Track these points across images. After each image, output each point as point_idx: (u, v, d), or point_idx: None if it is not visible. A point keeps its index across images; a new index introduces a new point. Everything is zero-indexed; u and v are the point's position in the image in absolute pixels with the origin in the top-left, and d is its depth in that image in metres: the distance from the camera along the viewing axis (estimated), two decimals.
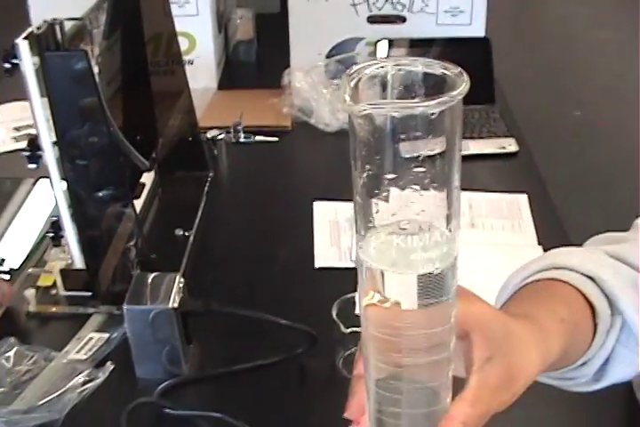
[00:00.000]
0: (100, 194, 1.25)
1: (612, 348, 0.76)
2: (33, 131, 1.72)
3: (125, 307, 1.10)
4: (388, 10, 1.87)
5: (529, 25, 5.02)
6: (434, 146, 0.45)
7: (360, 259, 0.47)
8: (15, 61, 1.09)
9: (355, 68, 0.45)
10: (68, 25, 1.15)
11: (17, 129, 1.86)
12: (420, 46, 1.81)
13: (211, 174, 1.65)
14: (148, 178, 1.54)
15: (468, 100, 1.50)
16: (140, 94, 1.52)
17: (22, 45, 1.07)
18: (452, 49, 1.79)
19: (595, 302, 0.74)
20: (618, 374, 0.78)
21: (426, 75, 0.46)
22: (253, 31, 2.27)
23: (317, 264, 1.36)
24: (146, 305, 1.10)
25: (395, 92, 0.46)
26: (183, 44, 1.87)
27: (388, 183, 0.44)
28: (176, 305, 1.09)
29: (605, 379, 0.78)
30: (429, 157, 0.45)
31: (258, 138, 1.75)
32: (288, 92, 1.85)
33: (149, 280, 1.14)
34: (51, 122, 1.16)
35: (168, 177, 1.63)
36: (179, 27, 1.62)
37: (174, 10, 1.62)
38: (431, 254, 0.46)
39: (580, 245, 0.88)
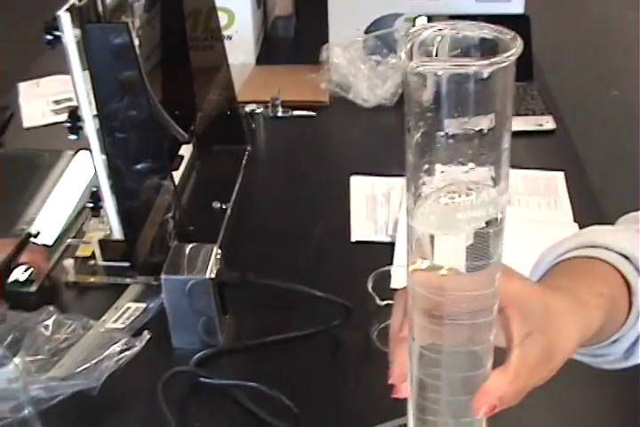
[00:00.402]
0: (139, 166, 1.27)
1: None
2: (73, 104, 1.74)
3: (163, 277, 1.11)
4: None
5: (569, 4, 4.95)
6: (483, 122, 0.46)
7: (408, 225, 0.48)
8: (57, 33, 1.10)
9: (413, 29, 0.46)
10: None
11: (57, 102, 1.87)
12: None
13: (248, 148, 1.66)
14: (186, 151, 1.55)
15: None
16: (179, 69, 1.53)
17: (64, 17, 1.08)
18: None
19: (631, 280, 0.74)
20: None
21: (481, 39, 0.46)
22: (292, 7, 2.26)
23: (354, 238, 1.37)
24: (183, 275, 1.11)
25: (450, 54, 0.46)
26: (222, 19, 1.87)
27: (439, 143, 0.45)
28: (213, 276, 1.11)
29: (635, 357, 0.78)
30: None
31: (295, 113, 1.76)
32: (326, 68, 1.85)
33: (187, 251, 1.15)
34: (91, 94, 1.17)
35: (206, 151, 1.64)
36: (217, 2, 1.62)
37: None
38: (478, 214, 0.46)
39: (614, 223, 0.88)
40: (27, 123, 1.81)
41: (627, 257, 0.75)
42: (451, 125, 0.44)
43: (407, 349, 0.56)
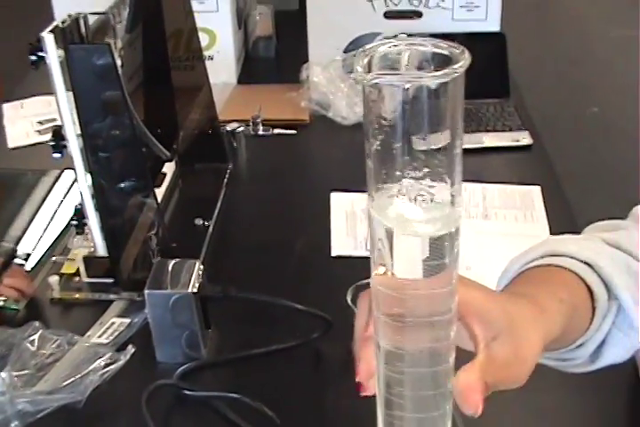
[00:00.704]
0: (123, 185, 1.29)
1: (608, 331, 0.79)
2: (57, 124, 1.77)
3: (146, 292, 1.13)
4: (404, 5, 1.90)
5: (545, 21, 5.03)
6: (438, 137, 0.48)
7: (369, 228, 0.51)
8: (41, 54, 1.13)
9: (369, 46, 0.48)
10: (91, 19, 1.18)
11: (40, 123, 1.90)
12: None
13: (230, 166, 1.69)
14: (169, 169, 1.58)
15: (483, 93, 1.54)
16: (161, 89, 1.56)
17: (48, 38, 1.11)
18: (467, 44, 1.81)
19: (593, 287, 0.77)
20: (612, 355, 0.81)
21: (434, 54, 0.49)
22: (272, 27, 2.30)
23: (334, 253, 1.39)
24: (166, 290, 1.13)
25: (405, 69, 0.49)
26: (203, 39, 1.90)
27: (397, 154, 0.48)
28: (195, 290, 1.13)
29: (600, 360, 0.81)
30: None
31: (276, 131, 1.78)
32: (306, 87, 1.89)
33: (170, 267, 1.17)
34: (75, 114, 1.19)
35: (188, 169, 1.66)
36: (199, 22, 1.65)
37: (194, 6, 1.65)
38: (434, 216, 0.49)
39: None
40: (11, 143, 1.83)
41: (590, 265, 0.78)
42: (406, 138, 0.47)
43: (372, 347, 0.58)
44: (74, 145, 1.20)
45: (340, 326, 1.15)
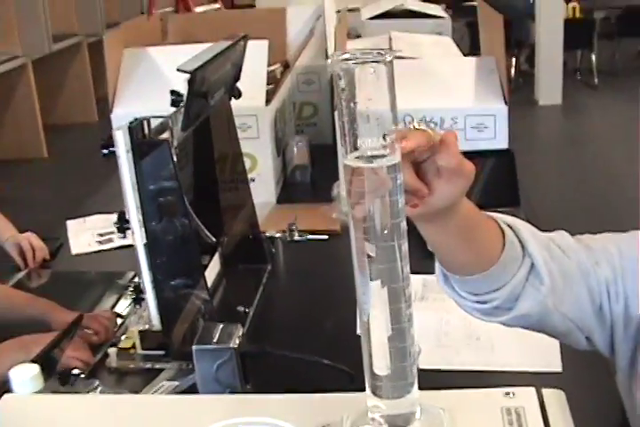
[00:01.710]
0: (178, 280, 1.50)
1: (523, 284, 1.01)
2: (113, 236, 2.00)
3: (195, 347, 1.31)
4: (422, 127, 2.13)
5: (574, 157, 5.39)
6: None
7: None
8: (112, 149, 1.36)
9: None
10: (154, 122, 1.42)
11: (101, 235, 2.13)
12: None
13: (269, 267, 1.89)
14: (213, 270, 1.77)
15: (495, 202, 1.76)
16: (209, 204, 1.78)
17: (119, 135, 1.34)
18: (479, 160, 2.05)
19: (505, 230, 1.01)
20: (526, 307, 1.03)
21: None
22: (308, 157, 2.54)
23: (359, 331, 1.56)
24: (211, 345, 1.31)
25: None
26: (246, 163, 2.14)
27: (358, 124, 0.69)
28: (236, 346, 1.30)
29: (516, 309, 1.03)
30: None
31: (310, 236, 1.99)
32: (337, 201, 2.10)
33: (215, 328, 1.35)
34: (138, 201, 1.40)
35: (232, 269, 1.86)
36: (242, 148, 1.88)
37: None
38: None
39: None
40: (74, 250, 2.06)
41: (511, 227, 1.03)
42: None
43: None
44: (135, 225, 1.41)
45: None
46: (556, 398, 0.81)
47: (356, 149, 0.71)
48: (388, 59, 0.67)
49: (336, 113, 0.69)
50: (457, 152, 0.85)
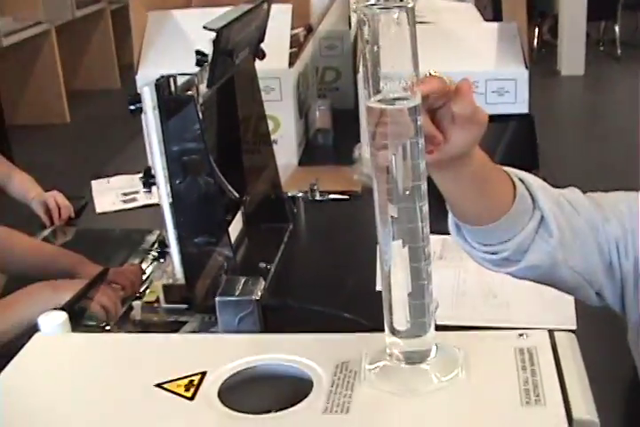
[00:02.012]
0: (202, 236, 1.54)
1: (533, 237, 1.05)
2: (137, 196, 2.04)
3: (218, 299, 1.34)
4: None
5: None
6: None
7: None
8: (139, 105, 1.39)
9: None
10: (180, 80, 1.45)
11: (125, 194, 2.17)
12: None
13: (290, 226, 1.92)
14: (236, 228, 1.81)
15: (514, 165, 1.77)
16: (232, 164, 1.81)
17: (146, 91, 1.37)
18: (500, 124, 2.07)
19: (517, 183, 1.05)
20: (534, 259, 1.06)
21: None
22: (330, 121, 2.57)
23: (378, 287, 1.59)
24: (234, 297, 1.34)
25: None
26: (269, 125, 2.17)
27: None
28: (258, 298, 1.34)
29: (525, 261, 1.06)
30: None
31: (331, 196, 2.02)
32: (358, 163, 2.13)
33: (238, 281, 1.38)
34: (164, 156, 1.44)
35: (254, 228, 1.89)
36: (266, 110, 1.91)
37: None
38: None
39: None
40: (99, 209, 2.10)
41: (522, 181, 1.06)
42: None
43: None
44: (161, 181, 1.44)
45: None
46: (567, 341, 0.84)
47: (378, 92, 0.74)
48: (410, 5, 0.70)
49: (359, 57, 0.72)
50: (472, 99, 0.88)
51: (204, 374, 0.86)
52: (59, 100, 6.13)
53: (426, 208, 0.82)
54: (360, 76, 2.24)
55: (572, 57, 7.22)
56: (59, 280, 1.53)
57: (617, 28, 7.98)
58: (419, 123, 0.76)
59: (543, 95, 5.79)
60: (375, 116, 0.75)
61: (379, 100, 0.74)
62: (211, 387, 0.84)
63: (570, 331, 0.87)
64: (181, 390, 0.84)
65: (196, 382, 0.85)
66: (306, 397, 0.82)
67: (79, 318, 1.47)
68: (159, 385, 0.85)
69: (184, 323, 1.52)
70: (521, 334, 0.85)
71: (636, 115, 5.51)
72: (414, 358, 0.82)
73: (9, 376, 0.89)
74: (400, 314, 0.84)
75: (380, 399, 0.80)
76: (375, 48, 0.71)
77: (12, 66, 6.00)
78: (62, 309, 1.26)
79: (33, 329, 1.02)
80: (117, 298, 1.57)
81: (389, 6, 0.70)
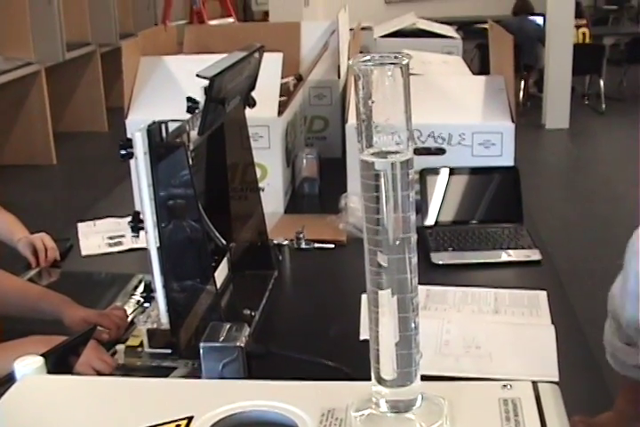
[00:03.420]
0: (188, 281, 1.54)
1: None
2: (123, 239, 2.04)
3: (202, 344, 1.35)
4: (430, 143, 2.19)
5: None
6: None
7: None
8: (130, 150, 1.40)
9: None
10: (171, 126, 1.46)
11: (110, 238, 2.17)
12: (458, 174, 2.12)
13: (275, 273, 1.93)
14: (221, 274, 1.81)
15: (499, 218, 1.83)
16: (219, 210, 1.82)
17: (137, 136, 1.39)
18: (486, 176, 2.10)
19: None
20: None
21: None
22: (317, 170, 2.59)
23: (362, 337, 1.60)
24: (218, 343, 1.35)
25: None
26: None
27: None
28: (243, 345, 1.34)
29: None
30: None
31: (317, 245, 2.04)
32: (344, 212, 2.15)
33: (222, 327, 1.39)
34: (153, 202, 1.44)
35: (239, 275, 1.90)
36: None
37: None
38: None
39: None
40: (84, 252, 2.10)
41: None
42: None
43: None
44: (150, 226, 1.45)
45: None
46: (551, 392, 0.85)
47: (371, 145, 0.76)
48: (404, 62, 0.72)
49: (348, 107, 0.74)
50: None
51: (190, 418, 0.86)
52: (46, 141, 6.16)
53: (415, 260, 0.83)
54: (349, 126, 2.27)
55: (556, 110, 7.32)
56: (56, 336, 1.51)
57: (602, 83, 8.10)
58: (410, 177, 0.78)
59: (528, 148, 5.86)
60: (368, 169, 0.77)
61: (372, 153, 0.76)
62: None
63: (552, 382, 0.88)
64: None
65: None
66: None
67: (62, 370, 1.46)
68: None
69: (167, 368, 1.52)
70: (505, 385, 0.86)
71: (617, 167, 5.61)
72: (400, 408, 0.83)
73: None
74: (387, 363, 0.85)
75: None
76: (369, 103, 0.73)
77: (1, 106, 6.04)
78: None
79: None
80: (109, 358, 1.55)
81: (384, 62, 0.72)
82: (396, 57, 0.72)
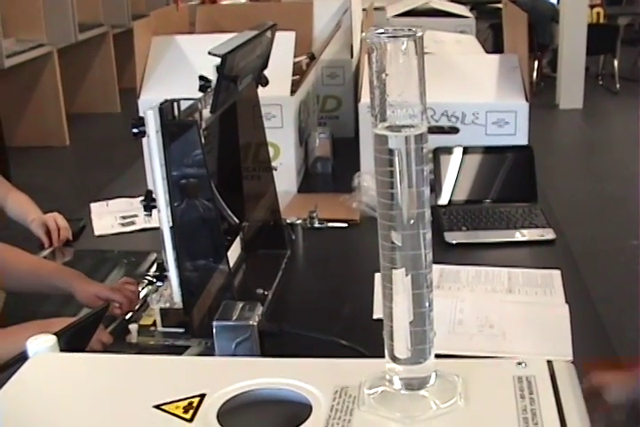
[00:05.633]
0: (201, 260, 1.54)
1: None
2: (135, 219, 2.04)
3: (215, 323, 1.35)
4: (443, 122, 2.17)
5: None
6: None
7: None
8: (142, 128, 1.39)
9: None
10: (183, 104, 1.46)
11: (123, 217, 2.17)
12: (471, 153, 2.11)
13: (288, 252, 1.92)
14: (234, 253, 1.81)
15: (513, 198, 1.82)
16: (231, 190, 1.82)
17: (149, 115, 1.38)
18: (500, 155, 2.09)
19: None
20: None
21: None
22: (330, 150, 2.58)
23: (375, 316, 1.60)
24: (231, 322, 1.34)
25: None
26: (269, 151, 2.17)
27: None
28: (255, 323, 1.34)
29: None
30: None
31: (330, 224, 2.03)
32: (357, 191, 2.14)
33: (235, 306, 1.39)
34: (165, 180, 1.44)
35: (252, 254, 1.90)
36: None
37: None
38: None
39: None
40: (97, 232, 2.10)
41: None
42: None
43: None
44: (162, 206, 1.44)
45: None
46: (567, 370, 0.85)
47: (384, 120, 0.75)
48: (419, 34, 0.71)
49: (361, 86, 0.73)
50: None
51: (203, 396, 0.86)
52: (59, 123, 6.16)
53: (429, 236, 0.82)
54: (362, 104, 2.26)
55: (570, 91, 7.28)
56: (56, 319, 1.51)
57: (616, 63, 8.04)
58: (424, 151, 0.77)
59: (542, 128, 5.83)
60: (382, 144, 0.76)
61: (385, 127, 0.75)
62: (210, 409, 0.84)
63: (566, 361, 0.88)
64: (180, 412, 0.84)
65: (195, 404, 0.85)
66: (304, 421, 0.82)
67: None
68: (158, 407, 0.85)
69: (180, 347, 1.52)
70: (520, 363, 0.85)
71: (631, 147, 5.58)
72: (413, 385, 0.83)
73: (4, 397, 0.89)
74: (401, 341, 0.84)
75: (379, 425, 0.80)
76: (383, 75, 0.72)
77: (13, 87, 6.04)
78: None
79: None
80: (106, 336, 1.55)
81: (398, 35, 0.71)
82: (410, 30, 0.71)
